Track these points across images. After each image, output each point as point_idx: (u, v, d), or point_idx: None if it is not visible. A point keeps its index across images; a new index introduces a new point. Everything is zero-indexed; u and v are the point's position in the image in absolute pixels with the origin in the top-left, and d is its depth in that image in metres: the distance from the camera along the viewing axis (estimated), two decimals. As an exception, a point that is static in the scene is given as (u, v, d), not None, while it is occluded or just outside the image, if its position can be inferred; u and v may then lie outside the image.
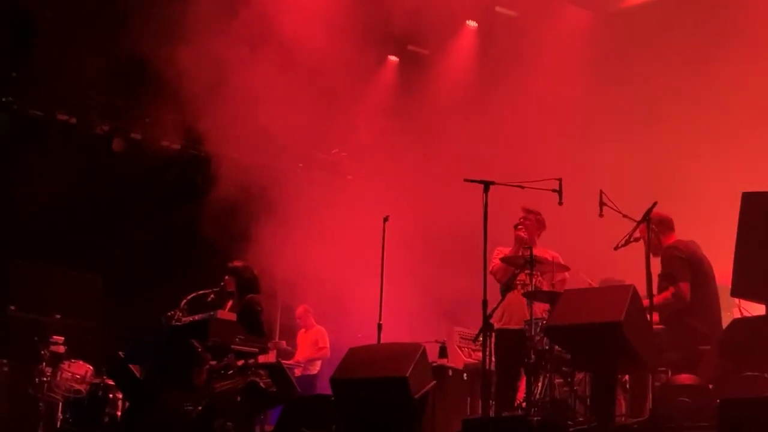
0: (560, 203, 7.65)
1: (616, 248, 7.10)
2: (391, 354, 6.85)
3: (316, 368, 11.93)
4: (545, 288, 7.91)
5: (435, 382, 6.83)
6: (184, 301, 8.38)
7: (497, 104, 11.33)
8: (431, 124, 11.92)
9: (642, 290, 6.49)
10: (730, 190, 7.00)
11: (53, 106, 12.11)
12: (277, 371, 7.96)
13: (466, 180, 7.40)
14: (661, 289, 7.12)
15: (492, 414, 7.45)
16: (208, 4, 10.76)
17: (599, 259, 8.18)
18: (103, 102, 12.28)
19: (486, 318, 7.15)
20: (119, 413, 9.31)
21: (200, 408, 7.60)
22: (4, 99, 11.73)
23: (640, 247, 6.99)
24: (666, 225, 7.42)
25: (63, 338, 10.17)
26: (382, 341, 8.45)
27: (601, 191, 7.31)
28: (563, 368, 7.42)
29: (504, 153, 10.58)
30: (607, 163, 10.30)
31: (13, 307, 10.23)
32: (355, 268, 10.71)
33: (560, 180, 7.60)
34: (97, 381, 9.67)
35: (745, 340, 6.16)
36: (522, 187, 7.56)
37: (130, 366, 8.16)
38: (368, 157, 12.66)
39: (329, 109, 11.77)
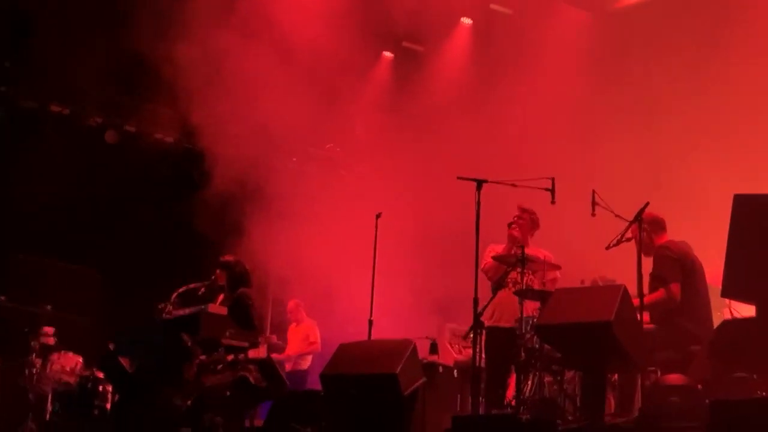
0: (553, 202, 7.67)
1: (607, 248, 7.11)
2: (381, 350, 6.85)
3: (307, 363, 11.92)
4: (536, 286, 7.93)
5: (425, 379, 6.83)
6: (175, 294, 8.34)
7: (492, 102, 11.34)
8: (426, 120, 11.91)
9: (633, 290, 6.50)
10: (723, 191, 7.00)
11: (47, 98, 12.07)
12: (267, 367, 7.95)
13: (459, 178, 7.41)
14: (652, 289, 7.12)
15: (482, 412, 7.46)
16: (205, -2, 10.76)
17: (591, 258, 8.19)
18: (97, 94, 12.23)
19: (477, 315, 7.17)
20: (109, 406, 9.28)
21: (189, 402, 7.59)
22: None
23: (631, 246, 7.00)
24: (658, 225, 7.43)
25: (53, 330, 10.12)
26: (372, 337, 8.48)
27: (593, 191, 7.32)
28: (553, 367, 7.44)
29: (499, 151, 10.58)
30: (604, 162, 10.30)
31: (3, 298, 10.17)
32: (347, 263, 10.72)
33: (553, 179, 7.63)
34: (86, 373, 9.63)
35: (736, 341, 6.16)
36: (515, 186, 7.57)
37: (120, 359, 8.14)
38: (362, 152, 12.66)
39: (324, 104, 11.75)
